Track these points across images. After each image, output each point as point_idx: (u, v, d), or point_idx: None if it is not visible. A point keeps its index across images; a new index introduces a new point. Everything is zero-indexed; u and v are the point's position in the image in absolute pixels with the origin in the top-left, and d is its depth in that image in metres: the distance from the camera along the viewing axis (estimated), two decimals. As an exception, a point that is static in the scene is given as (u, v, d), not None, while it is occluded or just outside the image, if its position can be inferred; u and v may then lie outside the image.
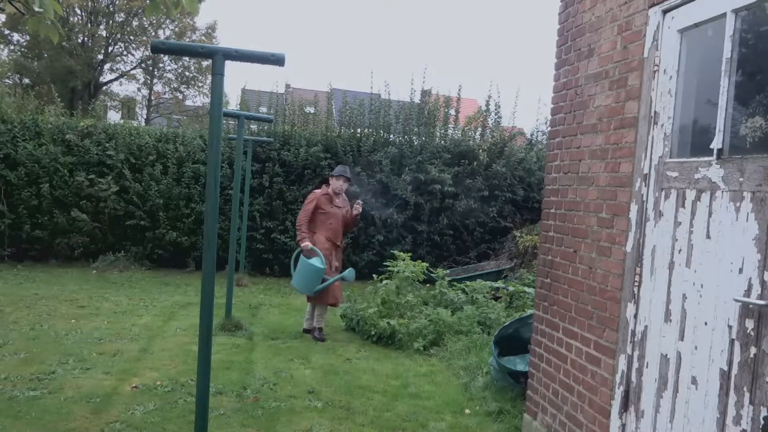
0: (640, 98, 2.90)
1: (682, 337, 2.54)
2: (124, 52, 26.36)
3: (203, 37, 26.13)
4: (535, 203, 10.53)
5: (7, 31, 22.99)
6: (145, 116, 28.53)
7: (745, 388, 2.19)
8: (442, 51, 78.25)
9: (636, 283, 2.87)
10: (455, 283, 7.62)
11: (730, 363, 2.27)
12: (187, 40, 24.91)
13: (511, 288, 7.30)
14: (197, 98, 28.30)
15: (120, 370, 4.77)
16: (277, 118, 10.67)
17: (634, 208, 2.90)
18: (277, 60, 3.10)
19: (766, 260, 2.13)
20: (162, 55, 24.33)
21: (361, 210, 6.41)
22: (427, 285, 8.04)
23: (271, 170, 10.12)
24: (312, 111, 11.51)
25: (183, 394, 4.33)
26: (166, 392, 4.36)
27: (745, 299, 2.18)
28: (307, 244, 6.04)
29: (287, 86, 17.68)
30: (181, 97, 28.01)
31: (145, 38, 24.83)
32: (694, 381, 2.46)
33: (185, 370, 4.86)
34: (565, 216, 3.62)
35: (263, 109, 11.75)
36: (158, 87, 28.36)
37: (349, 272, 6.23)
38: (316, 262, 5.98)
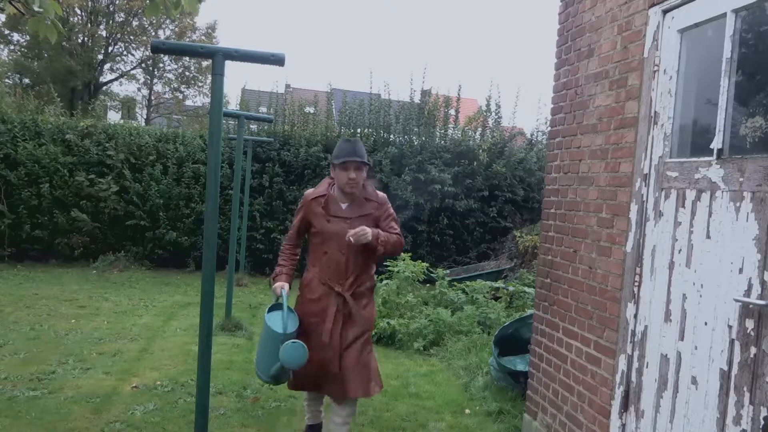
0: (640, 98, 2.90)
1: (682, 337, 2.54)
2: (124, 52, 26.34)
3: (203, 37, 26.11)
4: (535, 203, 10.53)
5: (7, 31, 22.98)
6: (145, 116, 28.50)
7: (745, 388, 2.19)
8: (442, 51, 78.23)
9: (636, 283, 2.87)
10: (455, 283, 7.62)
11: (730, 363, 2.27)
12: (187, 40, 24.88)
13: (511, 288, 7.30)
14: (197, 98, 28.29)
15: (120, 370, 4.77)
16: (277, 118, 10.67)
17: (634, 208, 2.90)
18: (277, 60, 3.10)
19: (766, 260, 2.13)
20: (162, 55, 24.32)
21: (367, 236, 3.17)
22: (427, 285, 8.05)
23: (271, 170, 10.12)
24: (312, 111, 11.51)
25: (183, 394, 4.33)
26: (166, 392, 4.36)
27: (745, 299, 2.18)
28: (279, 285, 3.33)
29: (287, 86, 17.68)
30: (181, 97, 27.97)
31: (145, 38, 24.81)
32: (694, 381, 2.46)
33: (185, 370, 4.86)
34: (565, 216, 3.62)
35: (263, 109, 11.75)
36: (158, 87, 28.35)
37: (286, 349, 2.96)
38: (275, 319, 3.16)
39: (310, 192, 3.41)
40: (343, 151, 3.25)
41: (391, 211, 3.41)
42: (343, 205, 3.31)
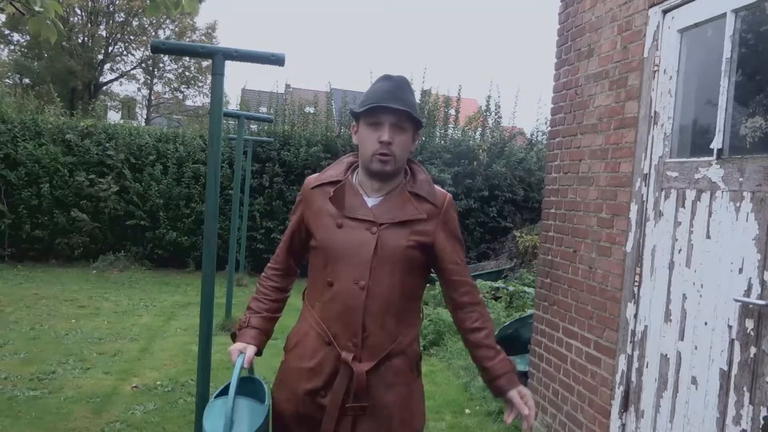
0: (640, 98, 2.90)
1: (682, 337, 2.54)
2: (124, 52, 26.36)
3: (203, 37, 26.11)
4: (535, 203, 10.53)
5: (7, 31, 22.99)
6: (145, 116, 28.53)
7: (744, 388, 2.19)
8: (442, 51, 78.27)
9: (636, 283, 2.87)
10: (455, 283, 7.60)
11: (730, 363, 2.27)
12: (187, 40, 24.89)
13: (511, 288, 7.30)
14: (197, 98, 28.30)
15: (120, 370, 4.77)
16: (277, 118, 10.67)
17: (634, 208, 2.90)
18: (277, 60, 3.10)
19: (766, 260, 2.13)
20: (162, 55, 24.33)
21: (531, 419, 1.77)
22: (427, 285, 8.04)
23: (271, 170, 10.12)
24: (312, 111, 11.52)
25: (183, 393, 4.33)
26: (166, 392, 4.36)
27: (745, 299, 2.18)
28: (236, 347, 1.82)
29: (287, 86, 17.69)
30: (181, 97, 28.00)
31: (145, 38, 24.82)
32: (694, 381, 2.46)
33: (185, 370, 4.85)
34: (565, 216, 3.62)
35: (263, 109, 11.75)
36: (158, 87, 28.37)
37: None
38: (215, 413, 1.70)
39: (313, 177, 1.89)
40: (373, 94, 1.77)
41: (458, 227, 1.89)
42: (370, 200, 1.79)
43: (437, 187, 1.88)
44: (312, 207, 1.85)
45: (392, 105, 1.72)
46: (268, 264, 2.02)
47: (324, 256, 1.80)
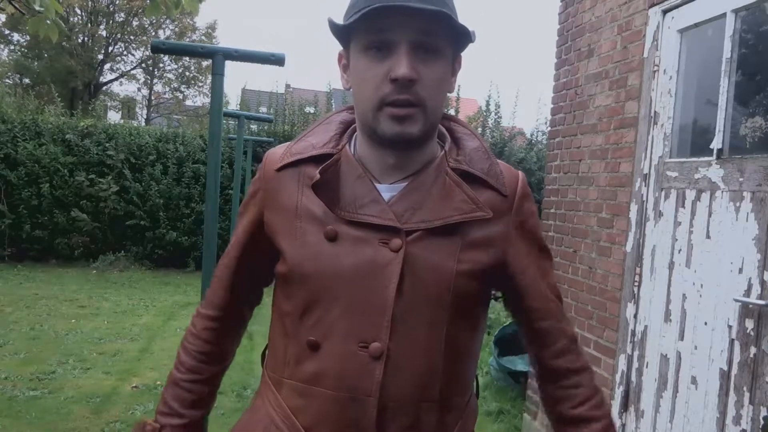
0: (640, 98, 2.90)
1: (682, 337, 2.54)
2: (124, 52, 26.35)
3: (203, 37, 26.10)
4: (535, 203, 10.54)
5: (7, 31, 22.99)
6: (145, 116, 28.52)
7: (744, 388, 2.19)
8: (442, 51, 78.24)
9: (636, 283, 2.87)
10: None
11: (730, 363, 2.27)
12: (187, 40, 24.86)
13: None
14: (197, 98, 28.28)
15: (120, 370, 4.77)
16: (277, 118, 10.68)
17: (634, 208, 2.90)
18: (277, 60, 3.09)
19: (766, 260, 2.13)
20: (162, 55, 24.32)
21: None
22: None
23: (271, 170, 10.12)
24: (312, 111, 11.52)
25: (183, 394, 4.34)
26: (166, 392, 4.36)
27: (745, 299, 2.18)
28: None
29: (287, 86, 17.69)
30: (181, 97, 27.99)
31: (145, 38, 24.81)
32: (693, 381, 2.46)
33: (185, 370, 4.86)
34: (565, 216, 3.62)
35: (263, 109, 11.76)
36: (158, 87, 28.35)
37: None
38: None
39: (279, 150, 1.08)
40: None
41: (539, 232, 1.16)
42: (384, 188, 1.01)
43: (502, 163, 1.09)
44: (278, 203, 1.04)
45: (412, 3, 0.89)
46: (197, 309, 1.19)
47: (301, 294, 1.00)
